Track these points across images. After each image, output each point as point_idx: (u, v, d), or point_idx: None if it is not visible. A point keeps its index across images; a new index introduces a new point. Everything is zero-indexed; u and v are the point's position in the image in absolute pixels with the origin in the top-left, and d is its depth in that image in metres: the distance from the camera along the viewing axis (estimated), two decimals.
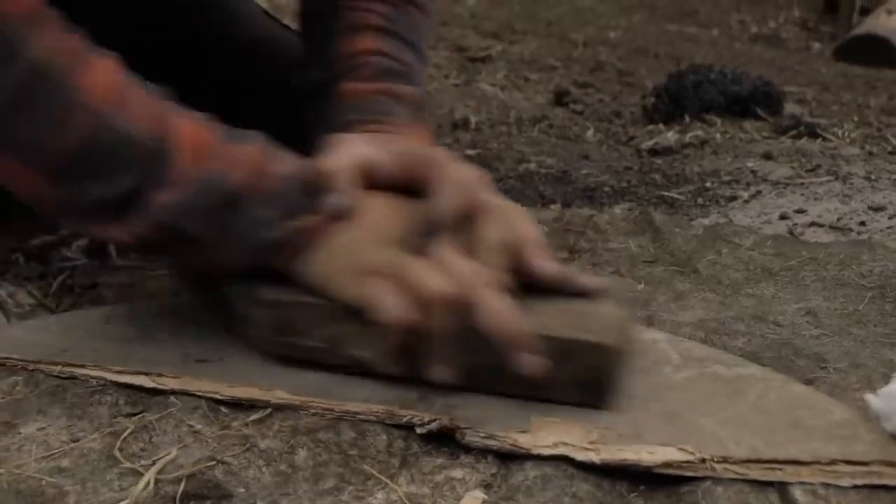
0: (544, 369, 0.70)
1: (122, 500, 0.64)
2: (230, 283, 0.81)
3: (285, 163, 0.78)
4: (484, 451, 0.70)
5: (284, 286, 0.77)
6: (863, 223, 1.44)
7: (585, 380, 0.73)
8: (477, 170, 0.81)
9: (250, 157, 0.76)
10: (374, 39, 0.94)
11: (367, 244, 0.76)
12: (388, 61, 0.93)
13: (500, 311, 0.70)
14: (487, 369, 0.73)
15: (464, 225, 0.76)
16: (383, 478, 0.67)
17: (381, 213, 0.78)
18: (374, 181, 0.81)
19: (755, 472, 0.67)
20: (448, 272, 0.72)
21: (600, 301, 0.77)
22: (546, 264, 0.77)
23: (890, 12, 3.91)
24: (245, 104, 0.89)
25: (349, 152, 0.81)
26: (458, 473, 0.68)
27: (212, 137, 0.76)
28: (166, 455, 0.69)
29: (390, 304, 0.72)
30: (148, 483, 0.65)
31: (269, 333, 0.78)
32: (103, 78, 0.74)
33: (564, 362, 0.72)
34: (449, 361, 0.73)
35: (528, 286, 0.76)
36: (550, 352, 0.71)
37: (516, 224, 0.77)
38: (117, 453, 0.69)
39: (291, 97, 0.93)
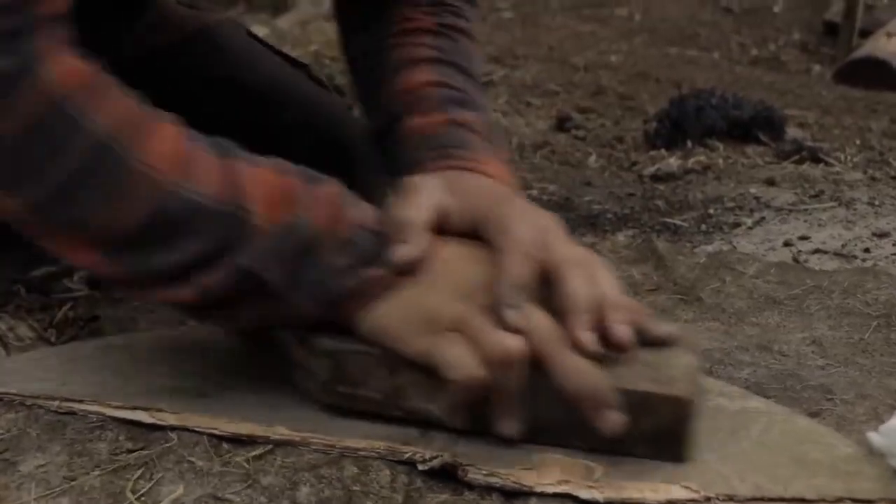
0: (623, 425, 0.69)
1: None
2: (287, 332, 0.78)
3: (361, 209, 0.76)
4: (489, 488, 0.69)
5: (343, 336, 0.75)
6: (867, 250, 1.44)
7: (662, 433, 0.71)
8: (549, 216, 0.79)
9: (329, 199, 0.75)
10: (430, 71, 0.92)
11: (437, 297, 0.73)
12: (448, 91, 0.91)
13: (577, 368, 0.69)
14: (556, 424, 0.72)
15: (540, 281, 0.74)
16: None
17: (455, 264, 0.76)
18: (447, 228, 0.78)
19: None
20: (523, 328, 0.70)
21: (672, 349, 0.75)
22: (622, 325, 0.73)
23: (890, 35, 3.91)
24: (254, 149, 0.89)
25: (424, 199, 0.78)
26: None
27: (288, 182, 0.75)
28: (168, 493, 0.68)
29: (461, 361, 0.70)
30: None
31: (326, 383, 0.76)
32: (166, 146, 0.74)
33: (640, 416, 0.70)
34: (518, 417, 0.72)
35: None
36: (626, 406, 0.69)
37: (598, 278, 0.74)
38: (128, 494, 0.68)
39: (300, 142, 0.91)
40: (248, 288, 0.74)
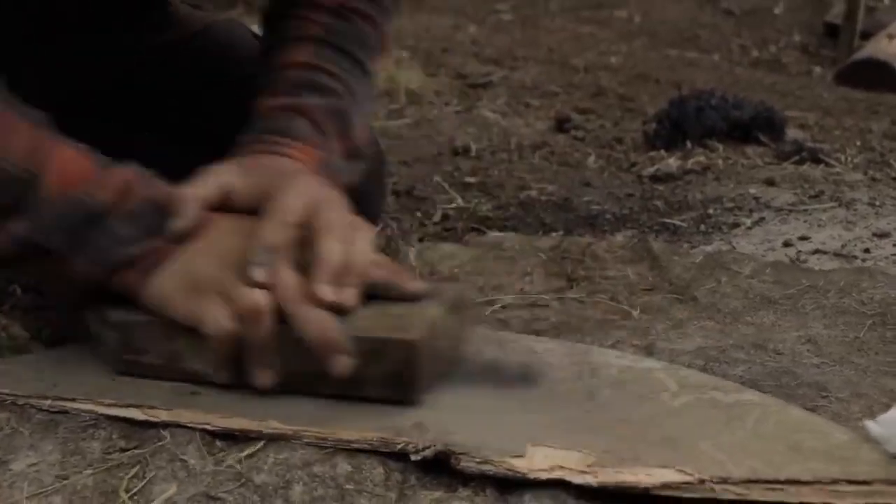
0: (352, 369, 0.76)
1: None
2: (87, 308, 0.85)
3: (152, 188, 0.83)
4: (482, 484, 0.69)
5: (130, 308, 0.82)
6: (867, 250, 1.44)
7: (392, 376, 0.77)
8: (330, 191, 0.85)
9: (119, 180, 0.82)
10: (306, 51, 0.97)
11: (202, 264, 0.81)
12: (311, 74, 0.96)
13: (313, 319, 0.76)
14: (305, 374, 0.78)
15: (303, 244, 0.80)
16: None
17: (223, 235, 0.83)
18: (232, 207, 0.85)
19: (756, 493, 0.66)
20: (269, 285, 0.77)
21: (423, 303, 0.81)
22: (370, 272, 0.81)
23: (891, 37, 3.91)
24: (227, 139, 0.91)
25: (210, 180, 0.85)
26: None
27: (85, 165, 0.82)
28: (161, 492, 0.68)
29: (215, 317, 0.77)
30: None
31: (116, 352, 0.83)
32: None
33: (373, 361, 0.77)
34: (270, 368, 0.78)
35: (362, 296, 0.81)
36: (361, 352, 0.76)
37: (353, 242, 0.81)
38: (121, 493, 0.68)
39: None
40: (30, 251, 0.80)
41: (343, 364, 0.76)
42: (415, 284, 0.83)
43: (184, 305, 0.80)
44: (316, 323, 0.76)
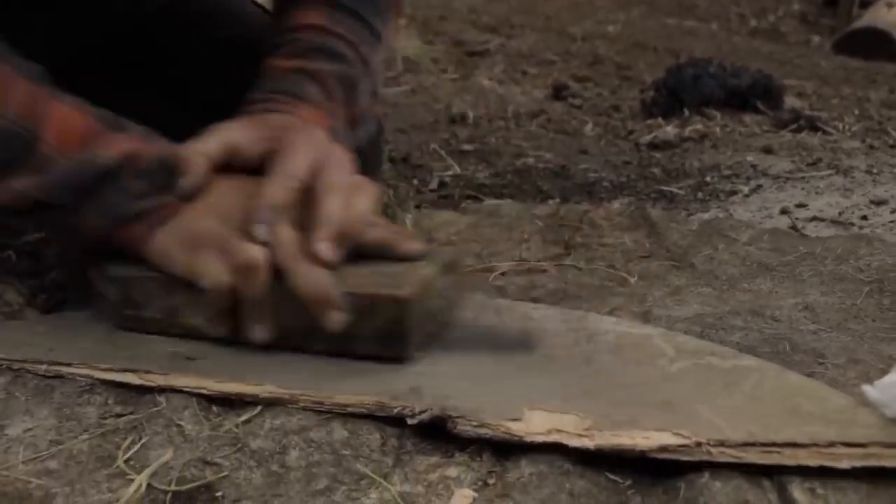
0: (344, 324, 0.78)
1: (112, 502, 0.64)
2: (90, 266, 0.87)
3: (156, 146, 0.85)
4: (479, 449, 0.69)
5: (131, 264, 0.84)
6: (864, 217, 1.43)
7: (384, 332, 0.79)
8: (338, 150, 0.86)
9: (126, 140, 0.83)
10: (320, 14, 0.97)
11: (203, 220, 0.82)
12: (322, 38, 0.96)
13: (309, 274, 0.78)
14: (299, 329, 0.80)
15: (305, 203, 0.81)
16: (377, 477, 0.67)
17: (226, 193, 0.84)
18: (238, 163, 0.86)
19: (752, 456, 0.66)
20: (268, 241, 0.78)
21: (417, 263, 0.83)
22: (369, 232, 0.83)
23: (890, 5, 3.89)
24: (225, 100, 0.90)
25: (216, 137, 0.86)
26: (452, 472, 0.68)
27: (86, 122, 0.83)
28: (157, 457, 0.68)
29: (210, 270, 0.79)
30: (139, 486, 0.65)
31: (116, 306, 0.85)
32: None
33: (365, 317, 0.78)
34: (265, 323, 0.80)
35: (359, 255, 0.83)
36: (354, 308, 0.78)
37: (354, 202, 0.82)
38: (117, 458, 0.68)
39: None
40: (37, 206, 0.82)
41: (336, 319, 0.78)
42: (411, 245, 0.85)
43: (182, 260, 0.81)
44: (312, 279, 0.78)
